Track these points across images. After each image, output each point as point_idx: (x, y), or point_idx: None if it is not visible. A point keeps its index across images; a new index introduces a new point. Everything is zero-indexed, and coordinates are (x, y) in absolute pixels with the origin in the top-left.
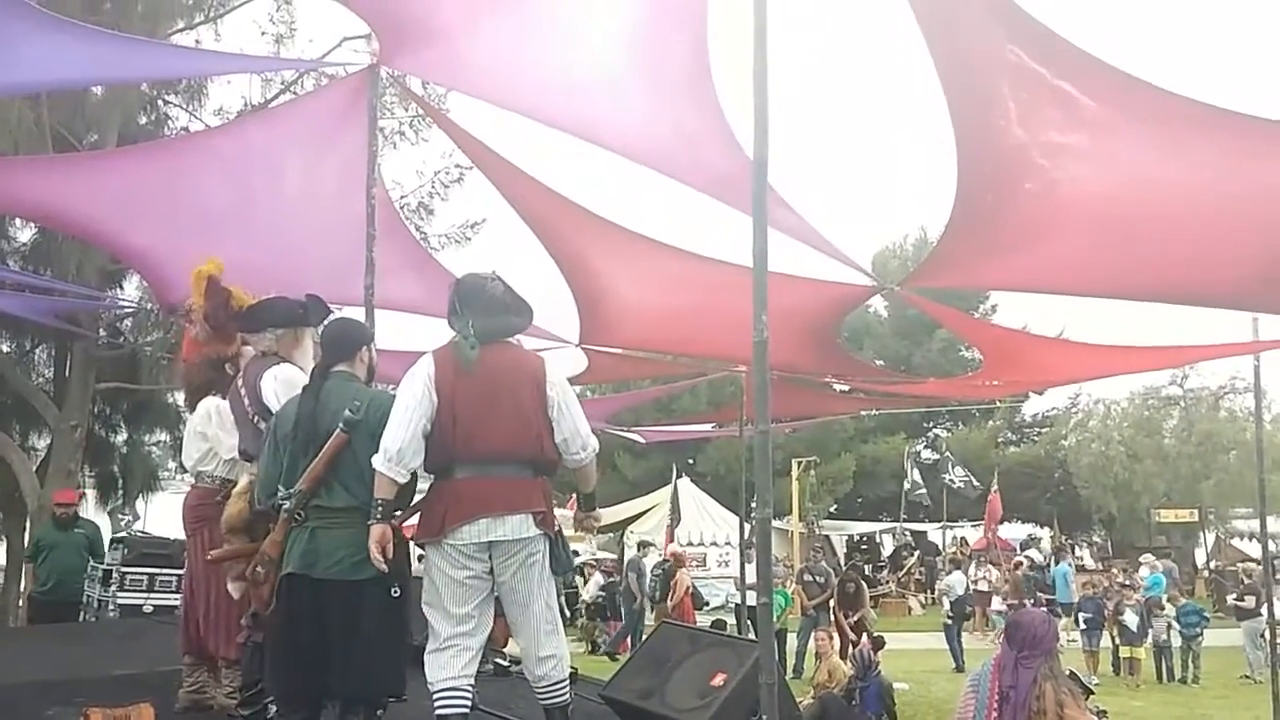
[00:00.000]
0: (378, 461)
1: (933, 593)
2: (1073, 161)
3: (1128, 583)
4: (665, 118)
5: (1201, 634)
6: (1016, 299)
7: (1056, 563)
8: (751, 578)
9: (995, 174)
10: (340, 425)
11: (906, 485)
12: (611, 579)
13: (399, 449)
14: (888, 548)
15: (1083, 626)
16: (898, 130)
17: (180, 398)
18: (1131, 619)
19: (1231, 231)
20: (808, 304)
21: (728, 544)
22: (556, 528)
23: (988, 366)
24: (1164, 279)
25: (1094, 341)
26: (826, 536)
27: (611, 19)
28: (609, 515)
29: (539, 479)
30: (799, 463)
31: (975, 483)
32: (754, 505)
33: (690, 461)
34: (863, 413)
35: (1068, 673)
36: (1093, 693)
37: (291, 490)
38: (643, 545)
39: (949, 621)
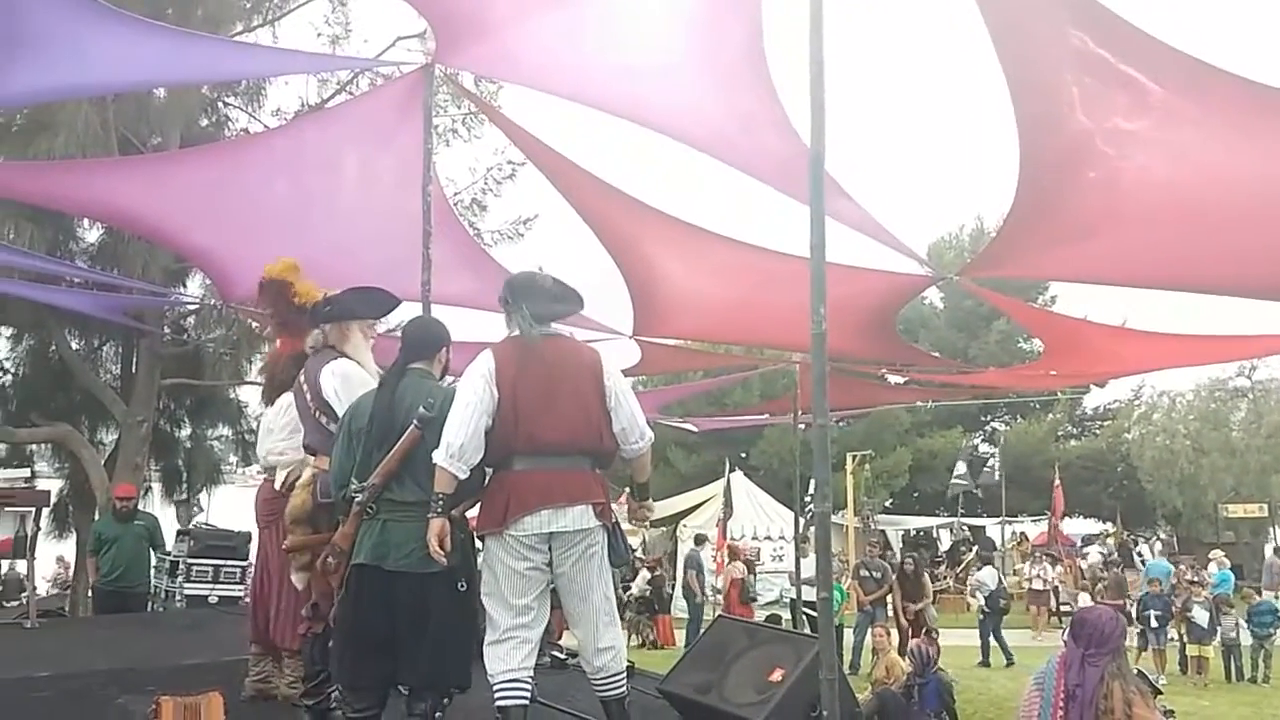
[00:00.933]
0: (439, 457)
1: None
2: (1139, 149)
3: (1195, 579)
4: (721, 102)
5: (1274, 633)
6: (1075, 291)
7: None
8: (807, 572)
9: (1058, 161)
10: (414, 422)
11: (956, 480)
12: (656, 573)
13: (460, 445)
14: (945, 543)
15: (1152, 625)
16: (953, 118)
17: (241, 393)
18: (1200, 616)
19: None
20: (864, 294)
21: (781, 538)
22: (614, 519)
23: (1048, 356)
24: (1232, 271)
25: (1159, 330)
26: (882, 531)
27: (665, 3)
28: (661, 509)
29: (597, 471)
30: (854, 457)
31: (995, 474)
32: (809, 499)
33: (743, 455)
34: (919, 404)
35: (1136, 672)
36: (1160, 692)
37: (364, 484)
38: (700, 539)
39: (982, 616)
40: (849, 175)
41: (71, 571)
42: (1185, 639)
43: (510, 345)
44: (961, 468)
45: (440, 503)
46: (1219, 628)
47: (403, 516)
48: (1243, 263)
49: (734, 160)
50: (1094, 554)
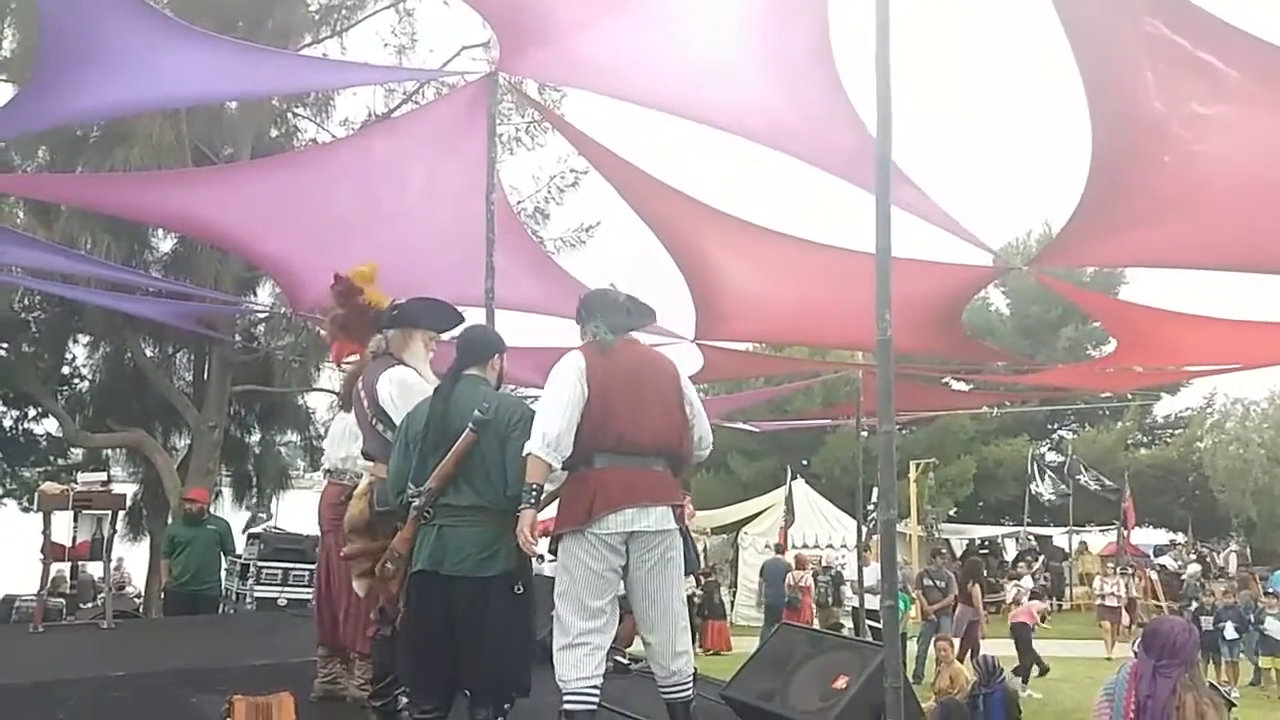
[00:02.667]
0: (534, 446)
1: (1059, 599)
2: (1214, 134)
3: (1270, 590)
4: (788, 99)
5: None
6: (1146, 289)
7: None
8: (869, 580)
9: (1132, 147)
10: (469, 425)
11: (1034, 489)
12: (710, 578)
13: (557, 434)
14: (1010, 552)
15: (1227, 637)
16: (1019, 121)
17: (309, 399)
18: (1274, 628)
19: None
20: (931, 288)
21: (844, 546)
22: (685, 525)
23: (1121, 350)
24: None
25: (1237, 318)
26: (946, 540)
27: (730, 2)
28: (723, 516)
29: (673, 473)
30: (917, 464)
31: (1108, 483)
32: (871, 507)
33: (805, 463)
34: (985, 410)
35: (1209, 685)
36: (1234, 705)
37: (421, 488)
38: (779, 549)
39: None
40: (913, 175)
41: (130, 575)
42: (1259, 652)
43: (596, 347)
44: (1042, 483)
45: (534, 493)
46: None
47: (459, 521)
48: None
49: (801, 153)
50: (1169, 562)
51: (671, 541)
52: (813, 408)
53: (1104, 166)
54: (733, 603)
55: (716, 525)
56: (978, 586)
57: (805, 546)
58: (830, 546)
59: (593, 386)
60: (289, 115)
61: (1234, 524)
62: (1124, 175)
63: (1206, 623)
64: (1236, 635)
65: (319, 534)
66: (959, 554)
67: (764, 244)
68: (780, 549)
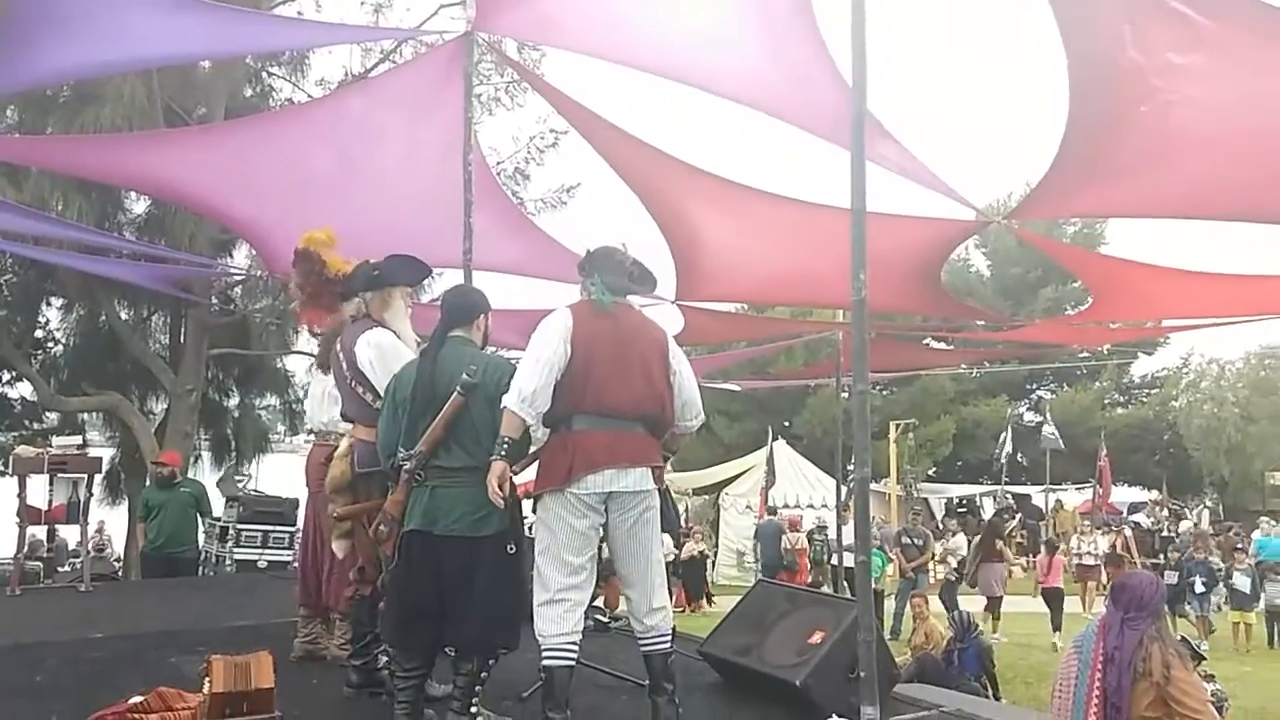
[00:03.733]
0: (510, 400)
1: (1034, 556)
2: (1190, 82)
3: (1239, 545)
4: (769, 57)
5: None
6: (1125, 244)
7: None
8: (848, 539)
9: (1108, 99)
10: (457, 388)
11: (1004, 451)
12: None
13: (534, 390)
14: (988, 511)
15: (1197, 591)
16: (1002, 83)
17: (288, 362)
18: (1242, 583)
19: None
20: (909, 244)
21: (824, 506)
22: (665, 486)
23: (1098, 304)
24: None
25: (1213, 270)
26: (925, 499)
27: None
28: (704, 477)
29: (655, 438)
30: (897, 425)
31: (1054, 434)
32: (851, 467)
33: (786, 424)
34: (962, 368)
35: (1179, 638)
36: (1204, 658)
37: (411, 451)
38: (774, 510)
39: (951, 580)
40: (897, 134)
41: (110, 538)
42: (1228, 605)
43: (587, 307)
44: (1010, 440)
45: (505, 445)
46: (1262, 594)
47: (451, 482)
48: None
49: (781, 113)
50: (1142, 520)
51: (650, 501)
52: (795, 368)
53: (1081, 118)
54: (714, 563)
55: (698, 486)
56: (1004, 545)
57: (786, 507)
58: (811, 506)
59: (576, 347)
60: (263, 75)
61: (1207, 482)
62: (1101, 127)
63: (1173, 577)
64: (1205, 590)
65: (306, 495)
66: (937, 513)
67: (744, 202)
68: (773, 512)
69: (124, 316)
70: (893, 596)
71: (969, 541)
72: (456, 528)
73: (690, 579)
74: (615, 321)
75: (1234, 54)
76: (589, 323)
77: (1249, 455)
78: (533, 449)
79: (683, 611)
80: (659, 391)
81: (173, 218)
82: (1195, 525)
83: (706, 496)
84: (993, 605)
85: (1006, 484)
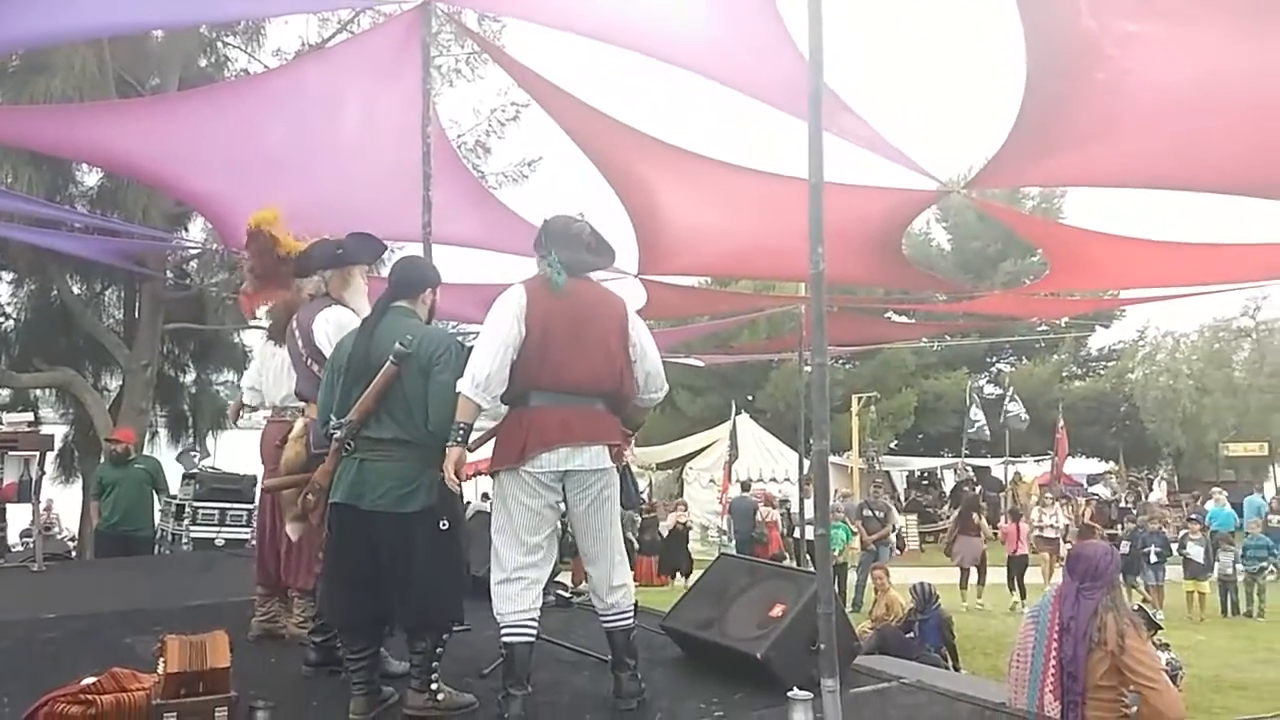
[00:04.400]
0: (464, 386)
1: (996, 526)
2: (1144, 50)
3: (1193, 516)
4: (726, 28)
5: (1269, 567)
6: (1082, 219)
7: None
8: (809, 512)
9: (1065, 66)
10: (390, 358)
11: (969, 422)
12: (650, 515)
13: (487, 375)
14: (949, 483)
15: (1151, 561)
16: (958, 59)
17: (245, 337)
18: (1196, 553)
19: None
20: (869, 214)
21: (787, 480)
22: (625, 462)
23: (1055, 274)
24: (1238, 169)
25: (1167, 239)
26: (887, 472)
27: None
28: (668, 452)
29: (612, 413)
30: (859, 398)
31: (1023, 415)
32: (813, 440)
33: (750, 398)
34: (924, 343)
35: (1135, 607)
36: (1160, 627)
37: (342, 420)
38: (746, 486)
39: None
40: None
41: (59, 517)
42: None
43: (542, 283)
44: (977, 413)
45: (461, 431)
46: (1215, 564)
47: (380, 455)
48: (1248, 160)
49: (739, 84)
50: (1102, 492)
51: (608, 479)
52: (758, 342)
53: (1038, 87)
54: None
55: (662, 460)
56: (982, 518)
57: (750, 480)
58: (774, 480)
59: (531, 325)
60: (218, 45)
61: (1163, 453)
62: (1058, 95)
63: (1127, 547)
64: (1159, 559)
65: (263, 472)
66: (899, 486)
67: (705, 173)
68: (746, 488)
69: (76, 291)
70: (855, 569)
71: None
72: (382, 503)
73: (671, 552)
74: (572, 297)
75: (1187, 21)
76: (544, 299)
77: (1203, 427)
78: (492, 424)
79: (658, 586)
80: (617, 366)
81: (125, 190)
82: (1143, 498)
83: (670, 471)
84: (965, 576)
85: (967, 456)
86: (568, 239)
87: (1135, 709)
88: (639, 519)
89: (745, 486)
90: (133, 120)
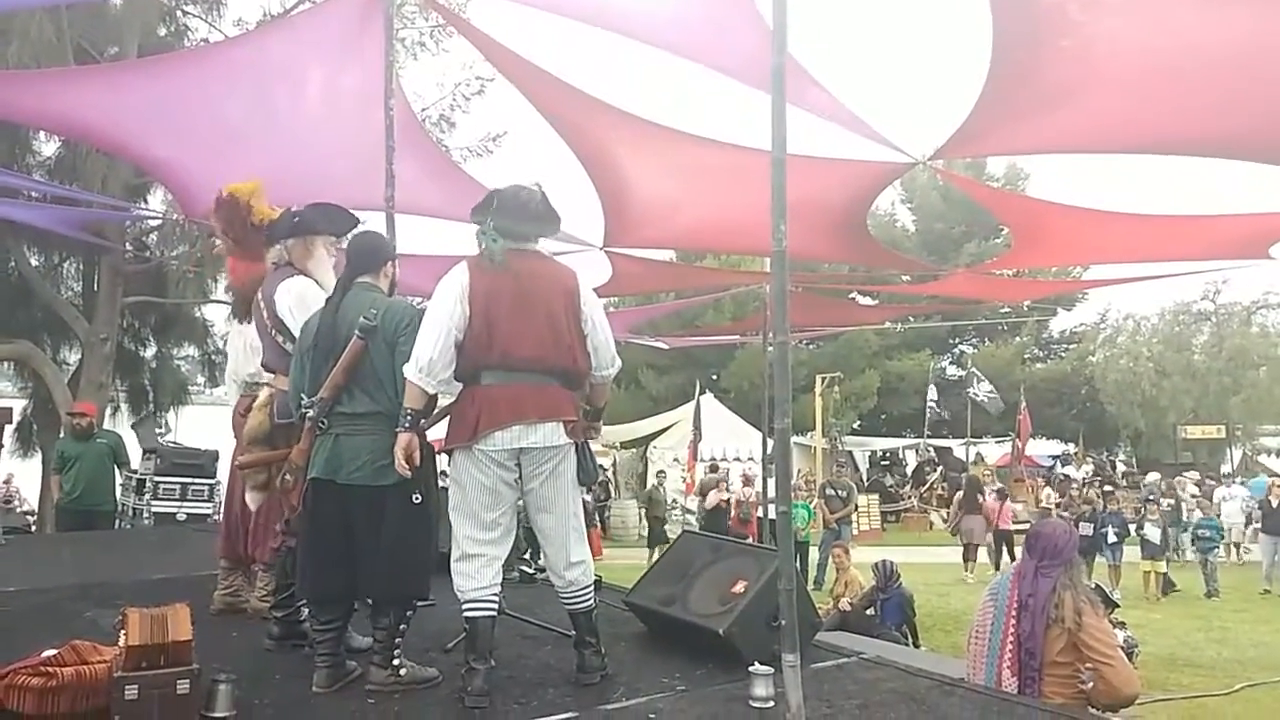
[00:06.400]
0: (409, 371)
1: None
2: (1110, 15)
3: (1150, 497)
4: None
5: (1218, 549)
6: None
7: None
8: (773, 491)
9: (1031, 33)
10: (357, 333)
11: (931, 404)
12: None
13: (429, 360)
14: (911, 463)
15: (1110, 541)
16: (926, 32)
17: (207, 311)
18: (1153, 534)
19: (1270, 82)
20: (835, 186)
21: (751, 459)
22: (583, 439)
23: (1018, 249)
24: (1204, 131)
25: (1128, 211)
26: (850, 452)
27: None
28: (631, 431)
29: (567, 390)
30: (823, 379)
31: (1000, 399)
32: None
33: (714, 378)
34: (888, 324)
35: (1093, 586)
36: (1117, 605)
37: (313, 399)
38: (714, 468)
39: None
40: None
41: (19, 491)
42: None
43: (483, 261)
44: (933, 392)
45: (409, 417)
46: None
47: (354, 430)
48: (1209, 121)
49: (705, 59)
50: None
51: (563, 456)
52: (723, 322)
53: (1004, 55)
54: (641, 515)
55: (626, 440)
56: (983, 497)
57: (714, 459)
58: (738, 459)
59: (474, 304)
60: (178, 14)
61: (1122, 434)
62: (1025, 62)
63: (1088, 528)
64: (1117, 540)
65: (233, 446)
66: (862, 466)
67: (673, 146)
68: (714, 469)
69: (34, 262)
70: (817, 547)
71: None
72: (358, 476)
73: (712, 528)
74: (517, 272)
75: None
76: (487, 277)
77: (1162, 409)
78: (444, 402)
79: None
80: (567, 341)
81: (84, 160)
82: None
83: (634, 450)
84: (970, 551)
85: (929, 437)
86: (514, 207)
87: (1091, 685)
88: (590, 497)
89: (713, 469)
90: (93, 88)
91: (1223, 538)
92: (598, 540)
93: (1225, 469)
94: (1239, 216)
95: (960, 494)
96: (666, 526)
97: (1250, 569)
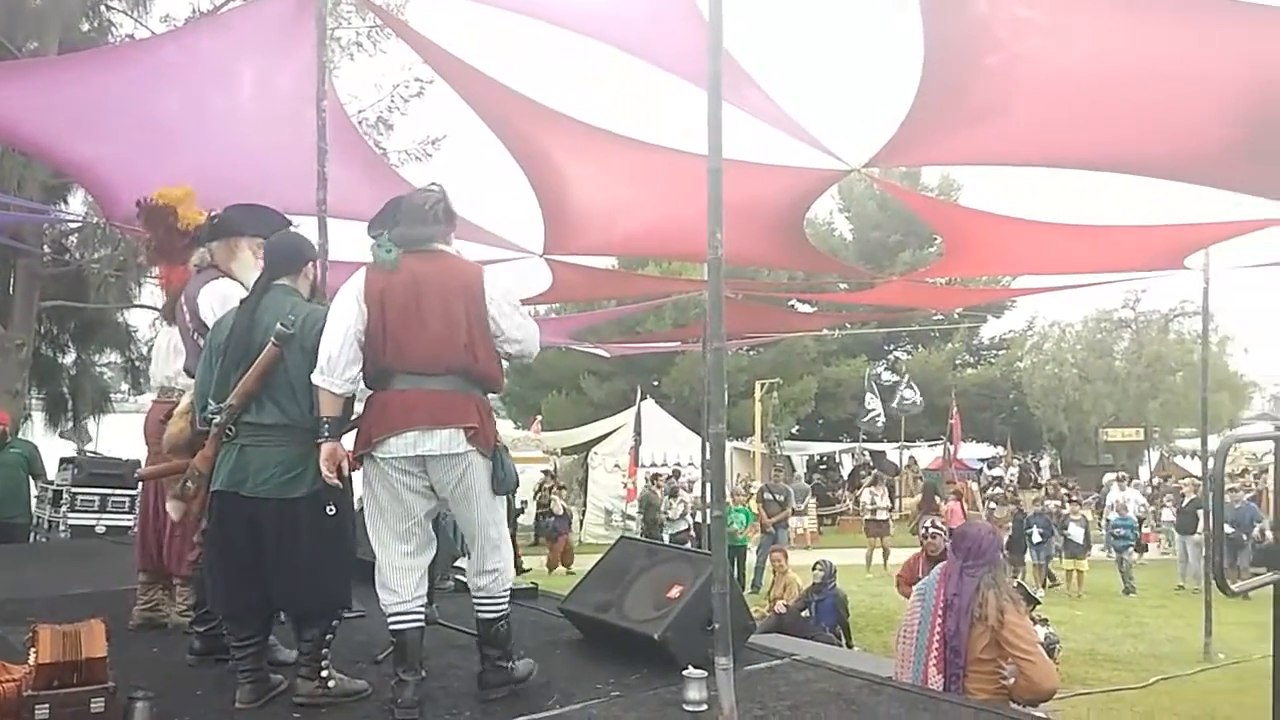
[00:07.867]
0: (315, 377)
1: (894, 511)
2: (1033, 36)
3: (1073, 498)
4: None
5: (1131, 547)
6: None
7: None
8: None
9: (960, 47)
10: (272, 340)
11: (868, 408)
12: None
13: (329, 358)
14: (847, 467)
15: (1035, 540)
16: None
17: (130, 317)
18: (1076, 533)
19: (1191, 102)
20: (772, 193)
21: (691, 465)
22: (496, 444)
23: (949, 258)
24: (1118, 149)
25: (1056, 221)
26: (788, 457)
27: None
28: (572, 437)
29: (473, 394)
30: (762, 384)
31: (918, 400)
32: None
33: (655, 383)
34: (826, 331)
35: (1015, 584)
36: (1039, 602)
37: (222, 405)
38: (677, 473)
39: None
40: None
41: None
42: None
43: (377, 263)
44: (873, 400)
45: (327, 425)
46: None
47: (261, 441)
48: (1131, 141)
49: (644, 53)
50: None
51: (468, 463)
52: (664, 329)
53: (935, 69)
54: (582, 521)
55: (567, 445)
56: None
57: (654, 465)
58: (679, 465)
59: (370, 304)
60: (102, 9)
61: (1046, 438)
62: (954, 75)
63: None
64: (1042, 539)
65: (146, 455)
66: (799, 470)
67: (612, 150)
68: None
69: None
70: (754, 551)
71: None
72: (265, 489)
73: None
74: (409, 271)
75: (1076, 7)
76: (381, 277)
77: (1085, 413)
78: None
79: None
80: (462, 340)
81: None
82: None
83: (575, 456)
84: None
85: (864, 441)
86: (409, 211)
87: (1013, 680)
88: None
89: (655, 479)
90: (10, 84)
91: (1136, 537)
92: (568, 550)
93: (1143, 470)
94: (1156, 228)
95: (919, 497)
96: (604, 533)
97: (1168, 566)
